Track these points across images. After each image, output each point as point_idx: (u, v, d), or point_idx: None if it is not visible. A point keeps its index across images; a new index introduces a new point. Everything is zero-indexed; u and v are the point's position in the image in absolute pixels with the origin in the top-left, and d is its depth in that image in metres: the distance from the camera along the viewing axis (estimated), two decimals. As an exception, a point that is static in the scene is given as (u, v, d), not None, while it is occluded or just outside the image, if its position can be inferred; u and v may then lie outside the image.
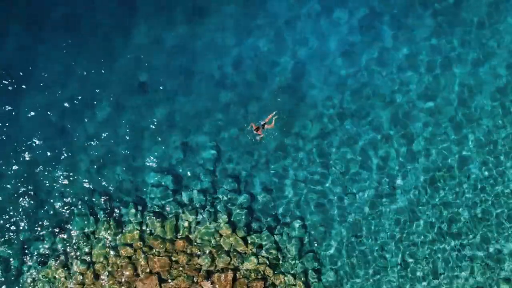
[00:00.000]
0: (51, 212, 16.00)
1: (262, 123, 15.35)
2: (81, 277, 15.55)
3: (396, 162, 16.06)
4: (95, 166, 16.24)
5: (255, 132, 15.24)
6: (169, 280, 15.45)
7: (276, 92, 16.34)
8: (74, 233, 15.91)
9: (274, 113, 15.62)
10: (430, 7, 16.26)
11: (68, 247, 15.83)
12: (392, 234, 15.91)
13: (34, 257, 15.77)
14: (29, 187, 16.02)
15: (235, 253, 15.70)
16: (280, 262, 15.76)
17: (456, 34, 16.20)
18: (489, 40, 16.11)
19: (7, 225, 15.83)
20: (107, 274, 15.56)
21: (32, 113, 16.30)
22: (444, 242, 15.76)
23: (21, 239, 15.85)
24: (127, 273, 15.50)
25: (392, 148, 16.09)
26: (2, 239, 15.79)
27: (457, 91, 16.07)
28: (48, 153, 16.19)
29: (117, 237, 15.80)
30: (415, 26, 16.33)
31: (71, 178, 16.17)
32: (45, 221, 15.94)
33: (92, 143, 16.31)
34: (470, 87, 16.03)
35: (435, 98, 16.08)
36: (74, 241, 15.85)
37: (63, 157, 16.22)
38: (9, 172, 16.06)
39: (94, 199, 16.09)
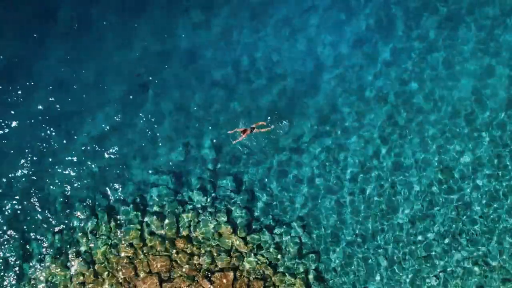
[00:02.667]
0: (52, 212, 16.05)
1: (252, 126, 15.43)
2: (81, 277, 15.57)
3: (405, 163, 16.11)
4: (95, 166, 16.29)
5: (241, 133, 15.26)
6: (169, 280, 15.45)
7: (277, 94, 16.39)
8: (74, 232, 15.94)
9: (265, 123, 15.78)
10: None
11: (68, 247, 15.86)
12: (393, 233, 15.93)
13: (34, 257, 15.80)
14: (30, 187, 16.06)
15: (235, 253, 15.71)
16: (280, 261, 15.77)
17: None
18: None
19: (8, 225, 15.87)
20: (108, 273, 15.57)
21: (33, 114, 16.37)
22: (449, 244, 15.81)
23: (21, 239, 15.88)
24: (128, 273, 15.51)
25: (401, 152, 16.14)
26: (3, 239, 15.83)
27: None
28: (48, 153, 16.25)
29: (117, 237, 15.82)
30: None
31: (71, 178, 16.21)
32: (45, 220, 15.99)
33: (93, 143, 16.36)
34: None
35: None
36: (74, 241, 15.88)
37: (63, 157, 16.28)
38: (9, 172, 16.11)
39: (94, 199, 16.12)
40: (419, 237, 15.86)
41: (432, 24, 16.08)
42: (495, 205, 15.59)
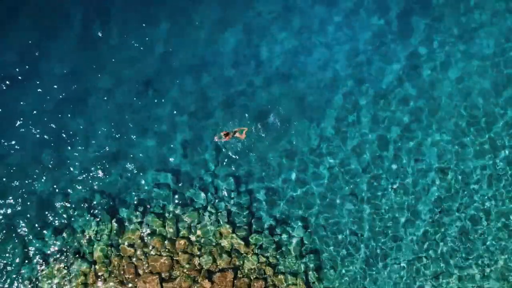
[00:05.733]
0: (52, 212, 16.03)
1: (234, 130, 15.49)
2: (82, 277, 15.59)
3: (396, 163, 16.23)
4: (96, 166, 16.28)
5: (223, 136, 15.34)
6: (170, 280, 15.51)
7: (277, 96, 16.47)
8: (75, 233, 15.95)
9: (248, 128, 15.93)
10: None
11: (69, 247, 15.87)
12: (392, 232, 16.05)
13: (35, 257, 15.80)
14: (31, 187, 16.05)
15: (235, 253, 15.78)
16: (281, 261, 15.85)
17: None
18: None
19: (9, 225, 15.85)
20: (108, 274, 15.60)
21: (33, 113, 16.33)
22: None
23: (22, 239, 15.86)
24: (128, 273, 15.55)
25: (389, 151, 16.28)
26: (3, 239, 15.81)
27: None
28: (49, 153, 16.22)
29: (118, 237, 15.85)
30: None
31: (72, 178, 16.20)
32: (46, 221, 15.98)
33: (93, 143, 16.36)
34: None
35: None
36: (75, 241, 15.89)
37: (64, 157, 16.26)
38: (10, 173, 16.09)
39: (95, 199, 16.14)
40: (419, 237, 16.00)
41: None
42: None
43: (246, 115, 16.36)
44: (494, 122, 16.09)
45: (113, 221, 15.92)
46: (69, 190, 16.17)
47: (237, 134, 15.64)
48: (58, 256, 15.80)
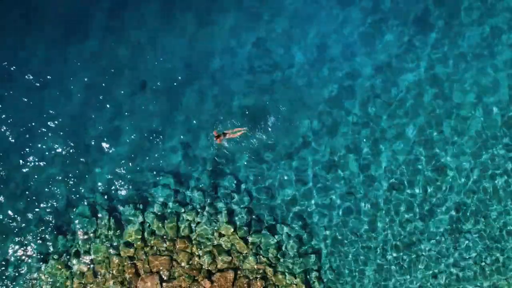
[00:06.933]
0: (53, 212, 16.09)
1: (225, 132, 15.49)
2: (82, 277, 15.63)
3: (394, 166, 16.20)
4: (96, 166, 16.32)
5: (214, 139, 15.33)
6: (170, 280, 15.52)
7: (277, 96, 16.45)
8: (75, 232, 15.99)
9: (243, 129, 15.86)
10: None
11: (69, 247, 15.91)
12: (392, 232, 16.01)
13: (35, 257, 15.85)
14: (31, 187, 16.10)
15: (235, 253, 15.78)
16: (280, 261, 15.84)
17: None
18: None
19: (9, 225, 15.91)
20: (108, 273, 15.63)
21: (32, 115, 16.37)
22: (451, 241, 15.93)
23: (22, 238, 15.93)
24: (128, 272, 15.58)
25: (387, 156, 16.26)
26: (3, 239, 15.87)
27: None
28: (49, 154, 16.27)
29: (118, 237, 15.87)
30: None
31: (72, 178, 16.24)
32: (46, 220, 16.03)
33: (94, 143, 16.39)
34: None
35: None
36: (75, 240, 15.93)
37: (64, 157, 16.30)
38: (10, 173, 16.14)
39: (95, 199, 16.17)
40: (420, 237, 15.98)
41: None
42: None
43: (246, 115, 16.36)
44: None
45: (113, 221, 15.94)
46: (69, 190, 16.20)
47: (230, 135, 15.63)
48: (58, 256, 15.84)
